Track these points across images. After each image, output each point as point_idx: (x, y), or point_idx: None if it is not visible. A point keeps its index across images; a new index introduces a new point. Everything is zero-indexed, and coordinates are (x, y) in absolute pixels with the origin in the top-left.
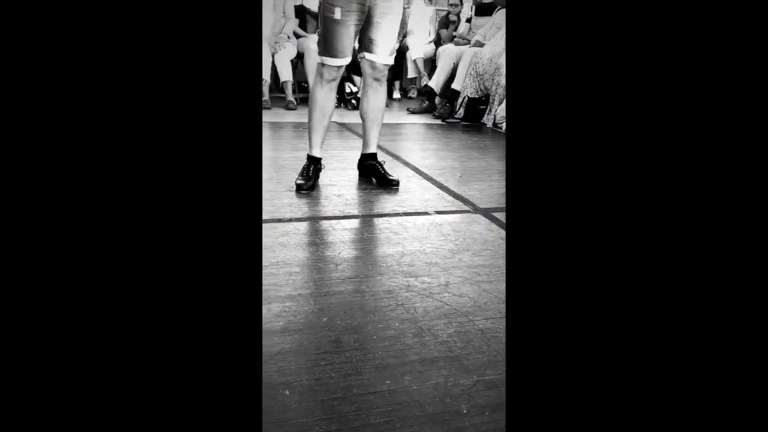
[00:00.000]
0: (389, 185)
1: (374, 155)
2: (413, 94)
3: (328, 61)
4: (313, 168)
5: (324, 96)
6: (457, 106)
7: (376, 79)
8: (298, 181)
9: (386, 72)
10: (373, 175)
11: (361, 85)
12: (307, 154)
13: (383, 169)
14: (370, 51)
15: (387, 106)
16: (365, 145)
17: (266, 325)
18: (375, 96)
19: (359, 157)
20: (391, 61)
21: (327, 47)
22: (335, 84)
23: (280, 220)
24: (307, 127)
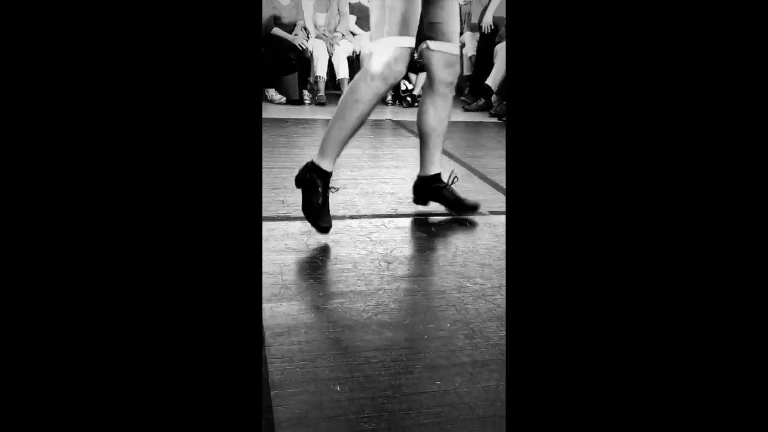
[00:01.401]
0: (469, 211)
1: (439, 176)
2: (468, 91)
3: (403, 41)
4: (323, 187)
5: (373, 99)
6: None
7: (450, 83)
8: (323, 224)
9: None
10: (443, 202)
11: (425, 93)
12: (317, 166)
13: (455, 192)
14: (436, 38)
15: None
16: (429, 164)
17: (318, 321)
18: (444, 104)
19: (416, 181)
20: (458, 51)
21: (400, 23)
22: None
23: (333, 218)
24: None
